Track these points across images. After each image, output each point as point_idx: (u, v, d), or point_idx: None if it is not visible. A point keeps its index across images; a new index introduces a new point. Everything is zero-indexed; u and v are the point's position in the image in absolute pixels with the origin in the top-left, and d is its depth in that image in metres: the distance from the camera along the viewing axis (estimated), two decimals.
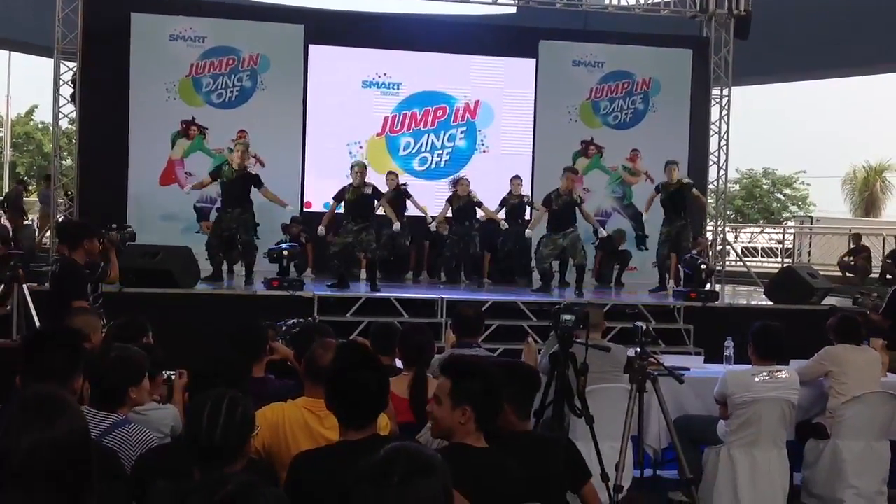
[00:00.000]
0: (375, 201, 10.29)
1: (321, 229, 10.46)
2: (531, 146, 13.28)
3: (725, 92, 13.61)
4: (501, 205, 11.40)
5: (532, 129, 13.31)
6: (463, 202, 11.27)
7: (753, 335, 5.26)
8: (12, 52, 25.31)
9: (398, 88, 13.14)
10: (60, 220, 11.85)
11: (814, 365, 5.70)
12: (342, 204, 10.20)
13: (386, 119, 13.14)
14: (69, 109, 12.30)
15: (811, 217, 27.08)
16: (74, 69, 11.99)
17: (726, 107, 13.63)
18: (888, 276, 14.95)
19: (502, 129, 13.38)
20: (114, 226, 6.82)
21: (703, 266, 10.27)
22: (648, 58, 13.48)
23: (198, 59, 12.32)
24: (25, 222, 15.34)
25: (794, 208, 35.64)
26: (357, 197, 10.05)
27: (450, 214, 11.49)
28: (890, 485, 5.54)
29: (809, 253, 20.79)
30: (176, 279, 8.75)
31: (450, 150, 13.29)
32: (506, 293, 10.31)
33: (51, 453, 1.94)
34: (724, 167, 13.73)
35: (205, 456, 2.57)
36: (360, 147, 12.98)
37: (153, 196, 12.05)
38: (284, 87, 12.48)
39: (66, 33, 11.84)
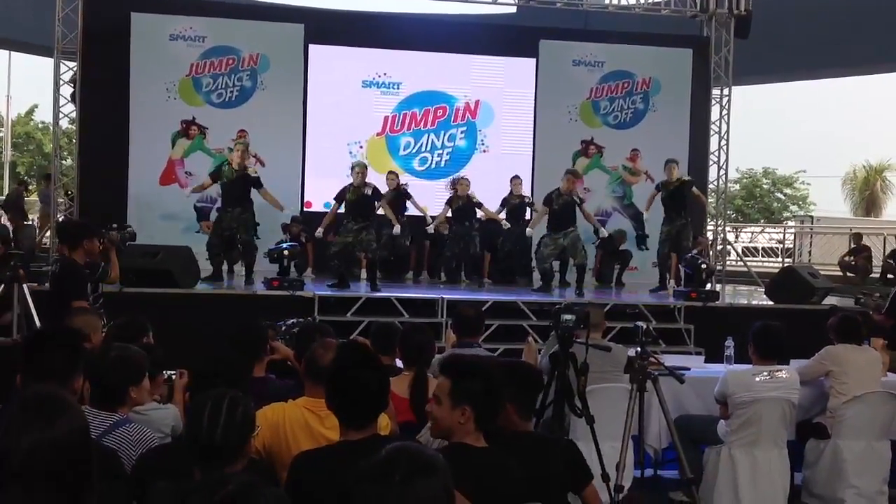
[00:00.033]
0: (376, 202, 10.29)
1: (319, 231, 10.47)
2: (531, 146, 13.28)
3: (726, 91, 13.61)
4: (502, 205, 11.40)
5: (532, 129, 13.31)
6: (462, 202, 11.26)
7: (754, 335, 5.26)
8: (12, 52, 25.33)
9: (398, 88, 13.14)
10: (60, 219, 11.85)
11: (814, 365, 5.70)
12: (342, 204, 10.20)
13: (386, 119, 13.13)
14: (69, 109, 12.31)
15: (811, 217, 27.08)
16: (74, 69, 11.99)
17: (726, 106, 13.63)
18: (889, 276, 14.94)
19: (502, 129, 13.37)
20: (114, 226, 6.80)
21: (703, 266, 10.28)
22: (649, 57, 13.47)
23: (198, 58, 12.31)
24: (26, 223, 15.33)
25: (794, 208, 35.65)
26: (357, 197, 10.05)
27: (449, 214, 11.48)
28: (891, 484, 5.54)
29: (810, 253, 20.79)
30: (176, 279, 8.75)
31: (450, 149, 13.28)
32: (506, 293, 10.31)
33: (51, 453, 1.94)
34: (724, 167, 13.74)
35: (205, 456, 2.57)
36: (360, 147, 12.98)
37: (153, 196, 12.04)
38: (284, 87, 12.48)
39: (66, 33, 11.84)
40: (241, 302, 8.98)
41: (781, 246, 21.94)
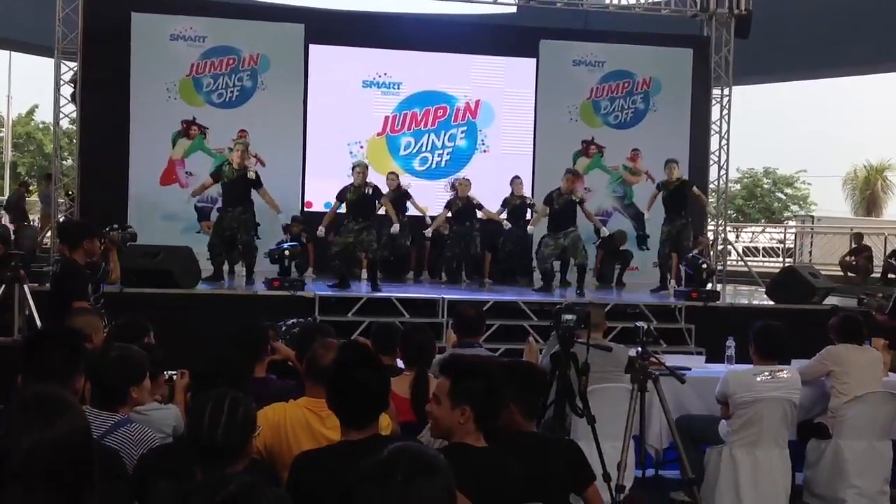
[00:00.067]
0: (377, 201, 10.28)
1: (321, 230, 10.47)
2: (532, 146, 13.27)
3: (726, 91, 13.61)
4: (503, 206, 11.40)
5: (532, 129, 13.31)
6: (462, 204, 11.26)
7: (755, 335, 5.26)
8: (13, 52, 25.34)
9: (398, 88, 13.14)
10: (61, 220, 11.85)
11: (815, 364, 5.70)
12: (343, 204, 10.20)
13: (386, 119, 13.13)
14: (70, 109, 12.30)
15: (812, 216, 27.08)
16: (75, 69, 11.99)
17: (727, 106, 13.63)
18: (890, 276, 14.94)
19: (503, 129, 13.37)
20: (115, 226, 6.79)
21: (704, 266, 10.28)
22: (649, 57, 13.47)
23: (198, 58, 12.31)
24: (26, 223, 15.33)
25: (795, 208, 35.67)
26: (358, 197, 10.05)
27: (449, 215, 11.48)
28: (892, 484, 5.54)
29: (811, 252, 20.79)
30: (176, 279, 8.75)
31: (450, 149, 13.28)
32: (507, 293, 10.31)
33: (50, 453, 1.93)
34: (724, 167, 13.73)
35: (206, 456, 2.57)
36: (361, 147, 12.98)
37: (154, 196, 12.04)
38: (285, 87, 12.48)
39: (67, 33, 11.84)
40: (241, 302, 8.98)
41: (782, 246, 21.95)
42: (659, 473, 5.70)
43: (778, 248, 22.21)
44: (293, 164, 12.48)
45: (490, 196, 11.50)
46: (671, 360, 5.68)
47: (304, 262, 11.35)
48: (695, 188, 11.32)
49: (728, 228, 15.31)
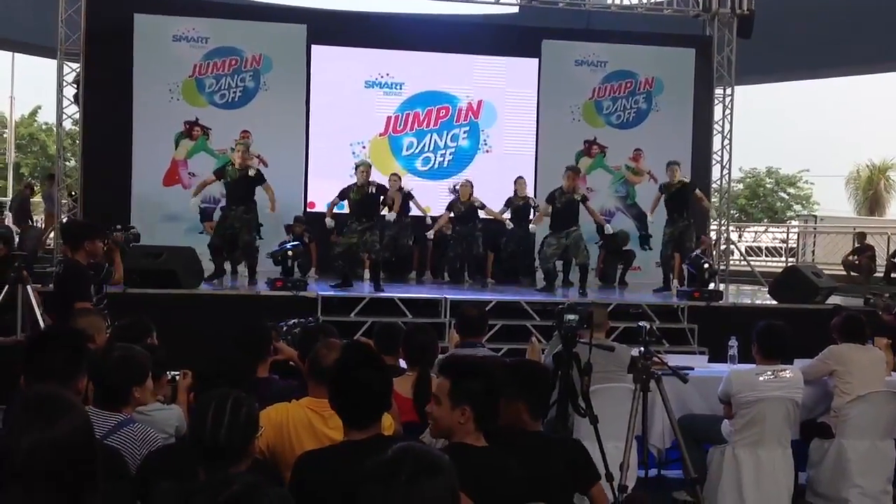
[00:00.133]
0: (381, 198, 10.23)
1: (329, 220, 10.39)
2: (534, 146, 13.27)
3: (728, 91, 13.60)
4: (506, 206, 11.40)
5: (535, 129, 13.30)
6: (465, 207, 11.25)
7: (757, 334, 5.25)
8: (15, 53, 25.35)
9: (401, 88, 13.14)
10: (64, 220, 11.86)
11: (818, 364, 5.69)
12: (345, 204, 10.18)
13: (389, 119, 13.14)
14: (72, 110, 12.31)
15: (815, 216, 27.04)
16: (77, 70, 12.01)
17: (729, 106, 13.62)
18: (893, 275, 14.92)
19: (505, 129, 13.37)
20: (119, 226, 6.80)
21: (706, 265, 10.27)
22: (651, 57, 13.47)
23: (201, 59, 12.33)
24: (29, 224, 15.37)
25: (797, 207, 35.64)
26: (362, 196, 10.04)
27: (451, 215, 11.47)
28: (895, 484, 5.53)
29: (813, 252, 20.77)
30: (179, 280, 8.76)
31: (453, 150, 13.28)
32: (509, 293, 10.30)
33: (51, 453, 1.93)
34: (727, 166, 13.72)
35: (209, 456, 2.57)
36: (363, 147, 12.98)
37: (156, 197, 12.06)
38: (287, 88, 12.49)
39: (69, 34, 11.86)
40: (244, 302, 8.98)
41: (785, 245, 21.94)
42: (662, 473, 5.70)
43: (781, 248, 22.19)
44: (296, 164, 12.49)
45: (492, 196, 11.50)
46: (674, 360, 5.68)
47: (307, 262, 11.36)
48: (697, 191, 11.29)
49: (731, 228, 15.29)
